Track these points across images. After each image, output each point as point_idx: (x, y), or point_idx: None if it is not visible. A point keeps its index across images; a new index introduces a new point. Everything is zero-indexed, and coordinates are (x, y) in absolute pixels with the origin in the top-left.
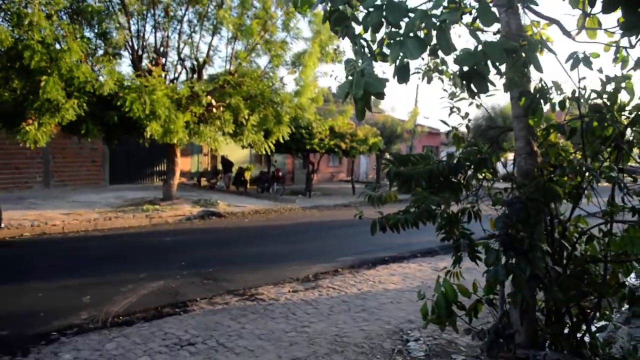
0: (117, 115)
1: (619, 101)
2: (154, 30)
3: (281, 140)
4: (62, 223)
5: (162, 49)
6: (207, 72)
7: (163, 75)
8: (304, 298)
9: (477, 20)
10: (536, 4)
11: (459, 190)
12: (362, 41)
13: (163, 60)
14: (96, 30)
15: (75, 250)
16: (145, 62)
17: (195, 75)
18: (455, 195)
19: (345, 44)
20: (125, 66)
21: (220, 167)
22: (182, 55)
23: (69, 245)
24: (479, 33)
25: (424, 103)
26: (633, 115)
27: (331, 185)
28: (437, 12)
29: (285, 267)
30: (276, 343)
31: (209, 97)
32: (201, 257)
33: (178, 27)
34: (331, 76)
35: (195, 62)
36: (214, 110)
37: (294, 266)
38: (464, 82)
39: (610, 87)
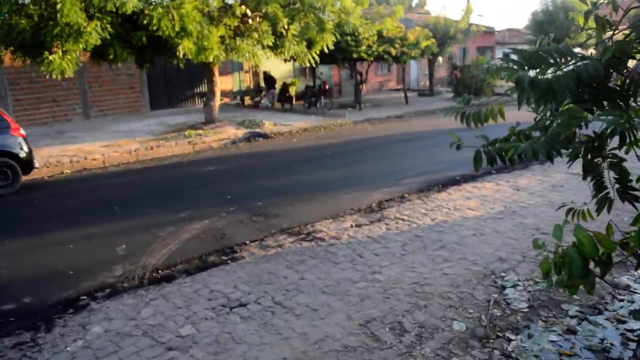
0: (145, 36)
1: None
2: None
3: (325, 50)
4: (102, 157)
5: None
6: None
7: None
8: (370, 234)
9: None
10: None
11: (625, 102)
12: None
13: None
14: None
15: (114, 188)
16: None
17: None
18: (623, 111)
19: None
20: None
21: (263, 84)
22: None
23: (108, 182)
24: None
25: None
26: None
27: (381, 95)
28: None
29: (343, 194)
30: (344, 298)
31: (243, 7)
32: (248, 189)
33: None
34: None
35: None
36: (250, 21)
37: (353, 193)
38: None
39: None
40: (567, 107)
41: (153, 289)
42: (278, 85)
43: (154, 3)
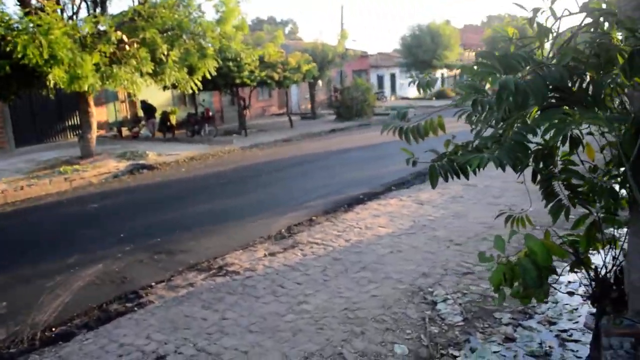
0: (8, 64)
1: None
2: None
3: (207, 76)
4: None
5: None
6: (112, 7)
7: (59, 11)
8: (287, 262)
9: None
10: None
11: (590, 105)
12: None
13: None
14: None
15: None
16: None
17: (99, 9)
18: (591, 113)
19: None
20: (10, 3)
21: (141, 113)
22: None
23: None
24: None
25: (349, 25)
26: None
27: (264, 120)
28: None
29: (248, 223)
30: (274, 334)
31: (119, 33)
32: (143, 224)
33: None
34: None
35: None
36: (127, 47)
37: (259, 220)
38: None
39: None
40: (540, 112)
41: (49, 351)
42: (158, 115)
43: (17, 29)
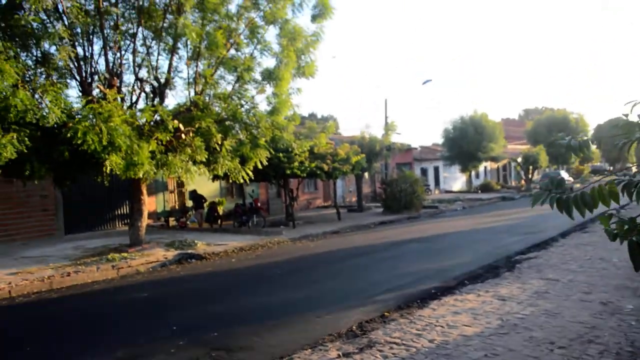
0: (67, 150)
1: None
2: (103, 50)
3: (259, 165)
4: (7, 286)
5: (115, 69)
6: (168, 98)
7: (119, 99)
8: None
9: None
10: None
11: None
12: None
13: (117, 82)
14: (34, 52)
15: (24, 321)
16: (96, 85)
17: (157, 99)
18: None
19: (322, 54)
20: (72, 92)
21: (189, 203)
22: (139, 76)
23: (16, 315)
24: None
25: (391, 119)
26: None
27: (310, 212)
28: None
29: (312, 317)
30: None
31: (176, 122)
32: (196, 316)
33: (131, 45)
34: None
35: (155, 83)
36: (183, 136)
37: (324, 315)
38: None
39: None
40: None
41: None
42: (206, 205)
43: (78, 116)
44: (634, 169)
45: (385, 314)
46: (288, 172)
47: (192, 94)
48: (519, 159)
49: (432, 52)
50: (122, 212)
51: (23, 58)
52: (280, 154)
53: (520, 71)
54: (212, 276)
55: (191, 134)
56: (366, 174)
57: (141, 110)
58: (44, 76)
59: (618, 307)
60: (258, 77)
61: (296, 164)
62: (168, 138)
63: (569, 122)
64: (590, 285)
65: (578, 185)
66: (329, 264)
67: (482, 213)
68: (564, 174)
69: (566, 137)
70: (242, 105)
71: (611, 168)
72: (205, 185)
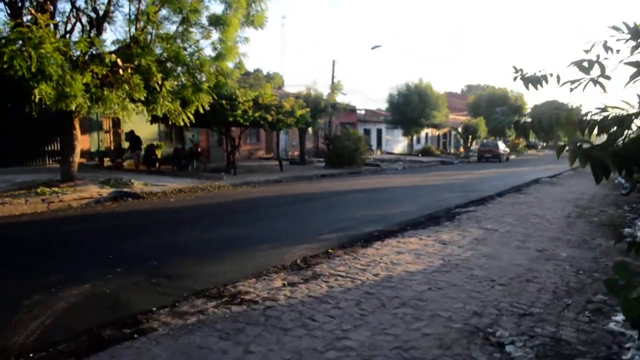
0: None
1: None
2: None
3: (201, 110)
4: None
5: None
6: (107, 33)
7: (52, 26)
8: (312, 294)
9: None
10: None
11: None
12: None
13: (51, 8)
14: None
15: None
16: (27, 9)
17: (94, 32)
18: None
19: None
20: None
21: (125, 145)
22: (76, 4)
23: None
24: None
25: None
26: None
27: (251, 163)
28: None
29: (255, 252)
30: None
31: (114, 56)
32: (134, 248)
33: None
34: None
35: (93, 15)
36: (120, 72)
37: (268, 250)
38: None
39: None
40: None
41: None
42: (143, 147)
43: (6, 39)
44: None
45: (330, 250)
46: (230, 119)
47: (133, 30)
48: (460, 129)
49: (386, 21)
50: (52, 148)
51: None
52: (223, 101)
53: (465, 48)
54: (149, 213)
55: (130, 70)
56: (310, 130)
57: (76, 42)
58: None
59: (553, 254)
60: (205, 21)
61: (239, 112)
62: (104, 72)
63: (509, 99)
64: (526, 236)
65: (513, 157)
66: (271, 207)
67: (422, 173)
68: (501, 145)
69: (508, 113)
70: (185, 49)
71: (544, 144)
72: (143, 127)
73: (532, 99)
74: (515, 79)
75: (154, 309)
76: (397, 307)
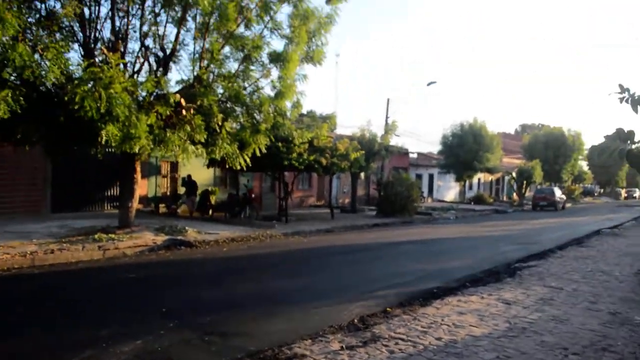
0: (63, 115)
1: None
2: (110, 13)
3: (257, 152)
4: None
5: (120, 34)
6: (172, 73)
7: (122, 65)
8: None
9: None
10: None
11: None
12: None
13: (122, 47)
14: (38, 6)
15: (3, 297)
16: (99, 49)
17: (161, 70)
18: None
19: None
20: (75, 56)
21: (181, 190)
22: (145, 43)
23: None
24: None
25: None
26: None
27: (302, 210)
28: None
29: (309, 308)
30: None
31: (178, 96)
32: (187, 301)
33: (139, 11)
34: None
35: (160, 54)
36: (183, 112)
37: (322, 307)
38: None
39: None
40: None
41: None
42: (198, 193)
43: (79, 79)
44: (623, 192)
45: (388, 309)
46: (286, 162)
47: (197, 69)
48: (514, 173)
49: (435, 58)
50: (112, 193)
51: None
52: (280, 144)
53: (520, 86)
54: (203, 263)
55: (192, 111)
56: (362, 174)
57: (143, 82)
58: (46, 32)
59: (627, 317)
60: (265, 59)
61: (295, 154)
62: (168, 112)
63: (566, 139)
64: (595, 295)
65: (569, 205)
66: (323, 258)
67: (475, 223)
68: (557, 191)
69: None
70: (245, 88)
71: (601, 190)
72: (199, 172)
73: (590, 139)
74: (621, 100)
75: None
76: None
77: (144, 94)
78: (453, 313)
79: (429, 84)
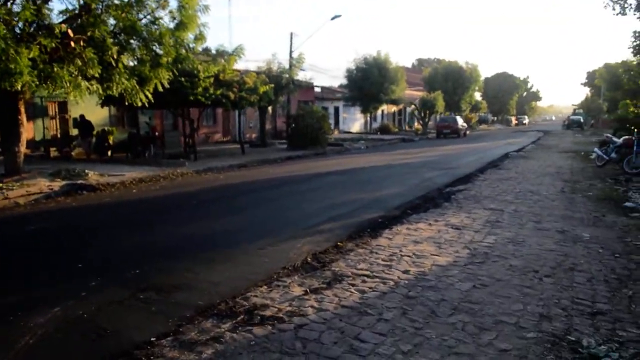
0: None
1: None
2: None
3: (160, 88)
4: None
5: None
6: (53, 1)
7: None
8: (344, 303)
9: None
10: None
11: None
12: None
13: None
14: None
15: None
16: None
17: None
18: None
19: None
20: None
21: (73, 132)
22: None
23: None
24: None
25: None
26: None
27: (209, 147)
28: None
29: (253, 249)
30: None
31: (64, 26)
32: (105, 253)
33: None
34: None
35: None
36: (72, 44)
37: (267, 247)
38: None
39: None
40: None
41: None
42: (94, 134)
43: None
44: (513, 120)
45: (339, 244)
46: (191, 98)
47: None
48: (417, 103)
49: None
50: None
51: None
52: (183, 78)
53: (415, 22)
54: (113, 207)
55: (82, 43)
56: (269, 109)
57: (19, 11)
58: None
59: (576, 235)
60: None
61: (200, 89)
62: (54, 45)
63: (464, 71)
64: (536, 215)
65: (469, 133)
66: (250, 194)
67: (388, 151)
68: (459, 120)
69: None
70: (141, 19)
71: (495, 118)
72: (92, 112)
73: (486, 72)
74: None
75: (153, 339)
76: (450, 314)
77: (21, 25)
78: (408, 242)
79: (333, 18)
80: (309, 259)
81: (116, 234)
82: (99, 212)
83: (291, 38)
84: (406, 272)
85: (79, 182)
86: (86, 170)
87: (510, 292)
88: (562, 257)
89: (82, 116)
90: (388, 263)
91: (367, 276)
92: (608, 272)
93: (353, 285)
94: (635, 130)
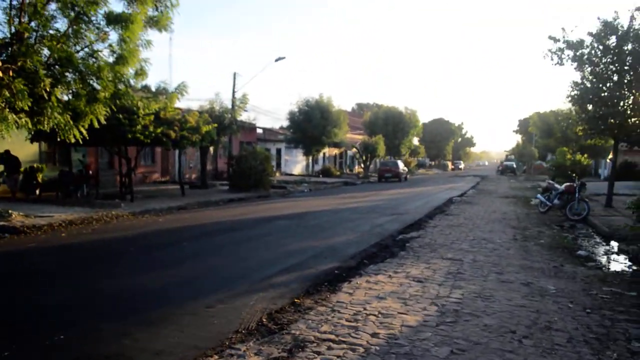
0: None
1: None
2: None
3: (95, 124)
4: None
5: None
6: None
7: None
8: None
9: None
10: None
11: None
12: None
13: None
14: None
15: None
16: None
17: None
18: None
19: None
20: None
21: None
22: None
23: None
24: None
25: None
26: None
27: (146, 187)
28: None
29: (200, 307)
30: None
31: None
32: (24, 308)
33: None
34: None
35: None
36: (1, 74)
37: (216, 304)
38: None
39: None
40: None
41: None
42: (21, 170)
43: None
44: (450, 165)
45: (296, 300)
46: (129, 135)
47: (16, 24)
48: (358, 146)
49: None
50: None
51: None
52: (121, 115)
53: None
54: (37, 254)
55: (11, 73)
56: (211, 149)
57: None
58: None
59: (541, 288)
60: (101, 21)
61: (139, 127)
62: None
63: (404, 116)
64: (496, 265)
65: (409, 177)
66: (192, 240)
67: (332, 195)
68: (400, 164)
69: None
70: (78, 51)
71: (432, 163)
72: (20, 147)
73: (423, 117)
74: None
75: None
76: None
77: None
78: (371, 298)
79: (277, 60)
80: (265, 320)
81: (39, 287)
82: (21, 259)
83: (234, 78)
84: (375, 335)
85: (0, 223)
86: (10, 211)
87: (492, 358)
88: (535, 314)
89: (7, 151)
90: (353, 324)
91: (333, 341)
92: (585, 331)
93: (318, 353)
94: (576, 176)
